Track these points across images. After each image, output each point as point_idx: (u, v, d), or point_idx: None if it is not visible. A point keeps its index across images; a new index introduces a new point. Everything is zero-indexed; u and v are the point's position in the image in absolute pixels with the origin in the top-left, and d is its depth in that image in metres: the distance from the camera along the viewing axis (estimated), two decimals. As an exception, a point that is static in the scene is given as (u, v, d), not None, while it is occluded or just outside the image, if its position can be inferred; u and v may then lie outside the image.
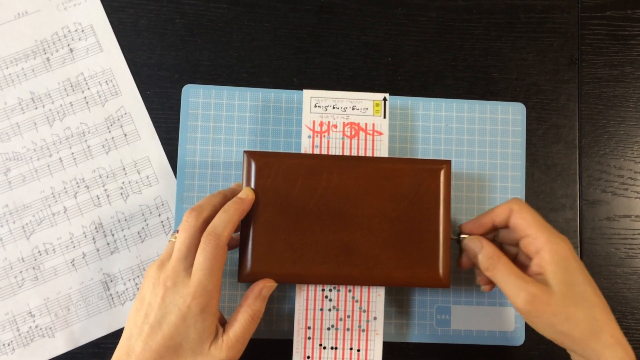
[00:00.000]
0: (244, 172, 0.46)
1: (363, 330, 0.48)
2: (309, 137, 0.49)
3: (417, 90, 0.55)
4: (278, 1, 0.55)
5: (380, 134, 0.50)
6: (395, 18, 0.55)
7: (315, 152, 0.49)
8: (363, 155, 0.49)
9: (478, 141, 0.54)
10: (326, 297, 0.48)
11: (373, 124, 0.50)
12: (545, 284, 0.41)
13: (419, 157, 0.53)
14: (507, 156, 0.54)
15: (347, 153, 0.49)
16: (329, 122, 0.49)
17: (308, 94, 0.50)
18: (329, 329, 0.48)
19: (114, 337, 0.50)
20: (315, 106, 0.50)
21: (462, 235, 0.47)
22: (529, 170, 0.54)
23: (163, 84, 0.53)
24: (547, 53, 0.56)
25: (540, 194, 0.54)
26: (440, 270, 0.46)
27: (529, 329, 0.52)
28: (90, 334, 0.50)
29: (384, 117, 0.50)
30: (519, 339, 0.52)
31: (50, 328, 0.50)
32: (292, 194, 0.45)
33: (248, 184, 0.46)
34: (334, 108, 0.50)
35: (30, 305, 0.50)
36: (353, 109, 0.50)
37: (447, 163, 0.47)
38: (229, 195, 0.45)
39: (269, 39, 0.54)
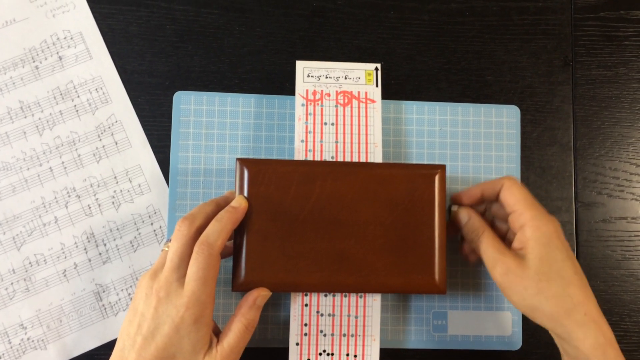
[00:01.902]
0: (237, 180, 0.45)
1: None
2: (303, 105, 0.50)
3: (410, 94, 0.54)
4: (270, 6, 0.54)
5: (373, 101, 0.50)
6: (388, 21, 0.55)
7: (309, 120, 0.49)
8: (356, 126, 0.49)
9: (472, 145, 0.53)
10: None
11: (366, 92, 0.50)
12: (521, 258, 0.42)
13: (414, 161, 0.53)
14: (502, 159, 0.53)
15: (340, 121, 0.49)
16: (322, 90, 0.50)
17: (301, 65, 0.50)
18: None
19: (107, 349, 0.50)
20: (308, 76, 0.50)
21: (453, 207, 0.48)
22: (524, 173, 0.54)
23: (154, 91, 0.52)
24: (540, 55, 0.56)
25: (535, 197, 0.53)
26: (436, 276, 0.46)
27: (526, 334, 0.52)
28: (83, 345, 0.50)
29: (377, 85, 0.50)
30: (517, 344, 0.52)
31: (43, 340, 0.50)
32: (285, 202, 0.45)
33: (241, 192, 0.45)
34: (326, 77, 0.50)
35: (22, 317, 0.50)
36: (345, 78, 0.51)
37: (442, 168, 0.47)
38: (222, 204, 0.45)
39: (260, 45, 0.54)
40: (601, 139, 0.55)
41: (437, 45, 0.55)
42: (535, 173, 0.54)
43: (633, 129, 0.56)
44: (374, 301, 0.47)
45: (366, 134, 0.50)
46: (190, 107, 0.52)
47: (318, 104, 0.50)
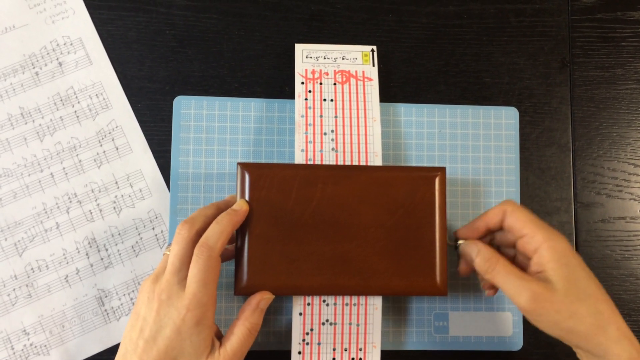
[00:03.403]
0: (238, 184, 0.45)
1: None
2: (302, 83, 0.50)
3: (409, 96, 0.54)
4: (268, 10, 0.55)
5: (370, 79, 0.51)
6: (386, 25, 0.55)
7: (308, 97, 0.50)
8: (355, 102, 0.50)
9: (472, 146, 0.54)
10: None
11: (363, 71, 0.51)
12: (546, 282, 0.41)
13: (413, 164, 0.53)
14: (501, 161, 0.54)
15: (339, 98, 0.50)
16: (320, 70, 0.51)
17: (300, 47, 0.51)
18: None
19: (110, 353, 0.50)
20: (307, 57, 0.51)
21: (459, 241, 0.46)
22: (523, 174, 0.54)
23: (154, 96, 0.53)
24: (538, 57, 0.56)
25: (534, 198, 0.54)
26: (438, 278, 0.46)
27: (527, 334, 0.52)
28: (86, 350, 0.50)
29: (373, 65, 0.51)
30: (518, 344, 0.52)
31: (45, 346, 0.50)
32: (287, 205, 0.45)
33: (242, 195, 0.45)
34: (324, 58, 0.51)
35: (25, 323, 0.50)
36: (343, 59, 0.52)
37: (442, 170, 0.47)
38: (222, 207, 0.45)
39: (260, 49, 0.54)
40: (599, 140, 0.56)
41: (436, 48, 0.55)
42: (534, 174, 0.54)
43: (631, 130, 0.56)
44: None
45: (364, 109, 0.50)
46: (190, 111, 0.52)
47: (317, 82, 0.50)
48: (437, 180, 0.47)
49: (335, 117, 0.50)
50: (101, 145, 0.52)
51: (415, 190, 0.46)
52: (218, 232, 0.42)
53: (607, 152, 0.56)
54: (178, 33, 0.54)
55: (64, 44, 0.53)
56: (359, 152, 0.49)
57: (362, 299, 0.47)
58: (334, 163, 0.48)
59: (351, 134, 0.49)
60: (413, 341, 0.52)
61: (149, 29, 0.53)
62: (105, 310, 0.50)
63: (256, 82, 0.54)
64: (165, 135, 0.52)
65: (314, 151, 0.48)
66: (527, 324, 0.52)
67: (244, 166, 0.46)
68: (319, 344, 0.47)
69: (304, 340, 0.47)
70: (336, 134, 0.49)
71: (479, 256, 0.44)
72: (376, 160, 0.49)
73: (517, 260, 0.46)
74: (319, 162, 0.48)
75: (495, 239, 0.47)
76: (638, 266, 0.54)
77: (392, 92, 0.54)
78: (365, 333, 0.48)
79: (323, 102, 0.50)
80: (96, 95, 0.52)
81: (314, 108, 0.50)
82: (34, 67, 0.52)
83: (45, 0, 0.53)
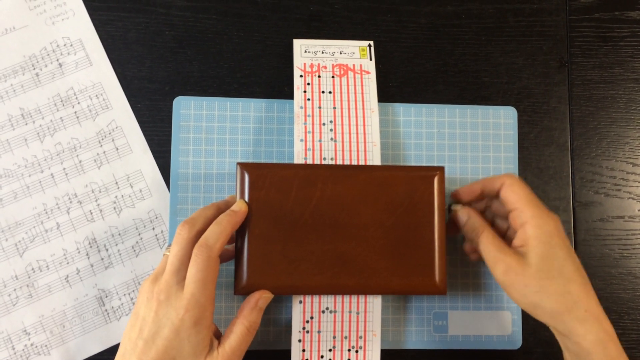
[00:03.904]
0: (238, 184, 0.46)
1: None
2: (301, 76, 0.51)
3: (408, 96, 0.55)
4: (268, 11, 0.55)
5: (368, 72, 0.52)
6: (385, 25, 0.55)
7: (307, 89, 0.50)
8: (353, 94, 0.50)
9: (470, 146, 0.54)
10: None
11: (361, 65, 0.52)
12: (522, 256, 0.42)
13: (412, 164, 0.53)
14: (500, 160, 0.54)
15: (337, 90, 0.50)
16: (319, 64, 0.51)
17: (298, 42, 0.52)
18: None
19: (110, 353, 0.50)
20: (305, 51, 0.52)
21: (453, 206, 0.48)
22: (522, 173, 0.54)
23: (154, 96, 0.53)
24: (536, 56, 0.56)
25: (533, 197, 0.54)
26: (437, 277, 0.46)
27: (526, 332, 0.52)
28: (86, 350, 0.50)
29: (370, 59, 0.52)
30: (517, 343, 0.52)
31: (46, 346, 0.50)
32: (286, 205, 0.45)
33: (242, 196, 0.45)
34: (322, 53, 0.52)
35: (25, 323, 0.50)
36: (341, 53, 0.52)
37: (441, 170, 0.47)
38: (222, 208, 0.45)
39: (259, 49, 0.54)
40: (598, 139, 0.56)
41: (434, 48, 0.56)
42: (533, 173, 0.55)
43: (629, 129, 0.56)
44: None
45: (363, 101, 0.51)
46: (190, 112, 0.52)
47: (315, 75, 0.51)
48: (436, 180, 0.47)
49: (334, 108, 0.50)
50: (101, 145, 0.52)
51: (414, 189, 0.47)
52: (217, 233, 0.42)
53: (605, 152, 0.56)
54: (177, 34, 0.54)
55: (64, 45, 0.53)
56: (357, 142, 0.49)
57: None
58: (333, 152, 0.49)
59: (349, 124, 0.50)
60: (412, 340, 0.52)
61: (148, 30, 0.54)
62: (106, 310, 0.50)
63: (255, 82, 0.54)
64: (165, 136, 0.52)
65: (313, 141, 0.49)
66: (526, 323, 0.52)
67: (244, 166, 0.46)
68: (319, 332, 0.47)
69: (304, 328, 0.47)
70: (335, 125, 0.50)
71: (468, 223, 0.46)
72: (375, 149, 0.49)
73: (509, 234, 0.48)
74: (318, 151, 0.49)
75: (491, 208, 0.49)
76: (636, 265, 0.55)
77: (391, 92, 0.55)
78: (365, 321, 0.48)
79: (322, 94, 0.51)
80: (96, 95, 0.52)
81: (312, 100, 0.50)
82: (34, 68, 0.52)
83: (46, 1, 0.53)
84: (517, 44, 0.56)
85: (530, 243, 0.42)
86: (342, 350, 0.48)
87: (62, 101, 0.52)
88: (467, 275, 0.53)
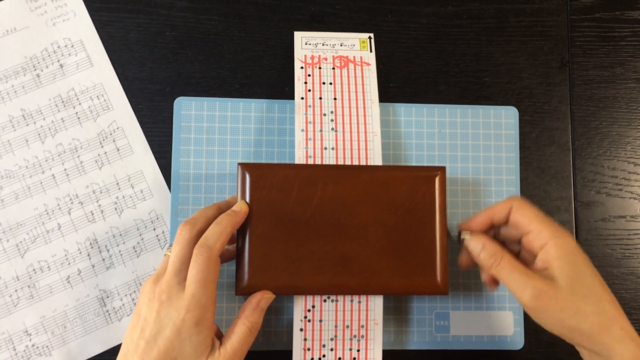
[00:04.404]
0: (239, 184, 0.46)
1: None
2: (302, 68, 0.51)
3: (409, 96, 0.55)
4: (269, 11, 0.55)
5: (368, 64, 0.52)
6: (386, 25, 0.55)
7: (308, 80, 0.50)
8: (353, 85, 0.51)
9: (472, 146, 0.54)
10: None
11: (361, 57, 0.52)
12: (551, 279, 0.40)
13: (413, 164, 0.53)
14: (501, 160, 0.54)
15: (338, 82, 0.51)
16: (319, 55, 0.52)
17: (299, 35, 0.53)
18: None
19: (112, 354, 0.50)
20: (306, 44, 0.52)
21: (463, 235, 0.46)
22: (523, 173, 0.54)
23: (155, 97, 0.53)
24: (537, 56, 0.56)
25: (534, 197, 0.54)
26: (438, 278, 0.46)
27: (528, 333, 0.52)
28: (88, 351, 0.50)
29: (370, 51, 0.52)
30: (519, 343, 0.52)
31: (47, 346, 0.50)
32: (287, 205, 0.45)
33: (243, 196, 0.45)
34: (323, 45, 0.52)
35: (26, 324, 0.50)
36: (341, 45, 0.53)
37: (442, 170, 0.47)
38: (223, 208, 0.45)
39: (260, 50, 0.54)
40: (599, 139, 0.56)
41: (435, 48, 0.56)
42: (534, 173, 0.54)
43: (630, 128, 0.56)
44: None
45: (363, 92, 0.51)
46: (191, 112, 0.52)
47: (316, 67, 0.51)
48: (437, 180, 0.47)
49: (335, 99, 0.50)
50: (102, 146, 0.52)
51: (416, 189, 0.46)
52: (217, 233, 0.42)
53: (606, 151, 0.56)
54: (178, 34, 0.54)
55: (65, 46, 0.53)
56: (358, 132, 0.49)
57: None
58: (334, 142, 0.49)
59: (350, 115, 0.50)
60: (414, 341, 0.52)
61: (149, 31, 0.54)
62: (107, 310, 0.50)
63: (256, 83, 0.54)
64: (166, 136, 0.52)
65: (313, 131, 0.49)
66: (528, 323, 0.52)
67: (245, 166, 0.46)
68: (320, 320, 0.47)
69: (305, 317, 0.47)
70: (335, 115, 0.50)
71: (484, 251, 0.43)
72: (375, 139, 0.49)
73: (522, 257, 0.45)
74: (319, 141, 0.49)
75: (499, 233, 0.47)
76: (638, 265, 0.54)
77: (392, 92, 0.55)
78: (367, 310, 0.48)
79: (322, 85, 0.51)
80: (97, 96, 0.52)
81: (313, 90, 0.50)
82: (35, 69, 0.52)
83: (46, 2, 0.53)
84: (518, 44, 0.56)
85: (554, 264, 0.41)
86: (344, 340, 0.48)
87: (63, 102, 0.52)
88: (468, 275, 0.52)
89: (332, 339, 0.47)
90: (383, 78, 0.54)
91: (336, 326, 0.47)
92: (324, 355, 0.47)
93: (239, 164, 0.46)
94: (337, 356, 0.47)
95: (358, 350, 0.48)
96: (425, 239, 0.46)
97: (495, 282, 0.47)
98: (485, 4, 0.56)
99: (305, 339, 0.47)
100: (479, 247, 0.44)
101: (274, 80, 0.54)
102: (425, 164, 0.53)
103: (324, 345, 0.47)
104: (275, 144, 0.52)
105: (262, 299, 0.44)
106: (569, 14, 0.57)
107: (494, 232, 0.47)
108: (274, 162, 0.52)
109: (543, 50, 0.56)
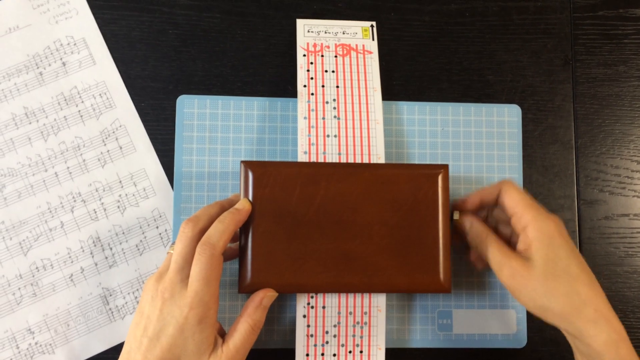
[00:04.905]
0: (241, 182, 0.46)
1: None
2: (304, 55, 0.51)
3: (412, 94, 0.54)
4: (271, 9, 0.55)
5: (370, 52, 0.52)
6: (389, 23, 0.55)
7: (310, 68, 0.51)
8: (356, 73, 0.51)
9: (474, 144, 0.54)
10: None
11: (363, 45, 0.53)
12: (527, 259, 0.42)
13: (416, 162, 0.53)
14: (504, 158, 0.54)
15: (340, 70, 0.51)
16: (322, 43, 0.52)
17: (301, 22, 0.53)
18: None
19: (115, 352, 0.50)
20: (309, 31, 0.52)
21: (455, 214, 0.48)
22: (526, 172, 0.54)
23: (157, 95, 0.53)
24: (541, 54, 0.56)
25: (538, 195, 0.54)
26: (441, 276, 0.46)
27: (531, 331, 0.52)
28: (91, 349, 0.50)
29: (373, 39, 0.53)
30: (522, 341, 0.52)
31: (50, 344, 0.50)
32: (290, 203, 0.45)
33: (246, 194, 0.45)
34: (325, 33, 0.53)
35: (30, 322, 0.50)
36: (343, 33, 0.53)
37: (445, 168, 0.47)
38: (226, 206, 0.45)
39: (262, 48, 0.54)
40: (602, 137, 0.56)
41: (438, 46, 0.55)
42: (538, 171, 0.54)
43: (634, 127, 0.56)
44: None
45: (365, 80, 0.51)
46: (193, 110, 0.52)
47: (319, 55, 0.52)
48: (440, 178, 0.47)
49: (337, 86, 0.50)
50: (105, 144, 0.52)
51: (419, 187, 0.46)
52: (220, 231, 0.42)
53: (610, 149, 0.55)
54: (181, 32, 0.54)
55: (68, 44, 0.53)
56: (360, 120, 0.50)
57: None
58: (337, 130, 0.49)
59: (352, 103, 0.50)
60: (417, 339, 0.52)
61: (152, 29, 0.54)
62: (110, 308, 0.50)
63: (259, 80, 0.54)
64: (168, 135, 0.52)
65: (316, 119, 0.49)
66: (531, 322, 0.52)
67: (247, 164, 0.46)
68: (323, 307, 0.47)
69: (308, 303, 0.47)
70: (338, 103, 0.50)
71: (472, 230, 0.46)
72: (377, 127, 0.49)
73: (513, 239, 0.47)
74: (322, 129, 0.49)
75: (493, 215, 0.49)
76: (642, 263, 0.54)
77: (395, 90, 0.54)
78: (370, 296, 0.48)
79: (325, 73, 0.51)
80: (100, 94, 0.52)
81: (315, 78, 0.51)
82: (37, 67, 0.52)
83: (49, 0, 0.53)
84: (522, 41, 0.56)
85: (532, 245, 0.42)
86: (347, 326, 0.48)
87: (65, 100, 0.52)
88: (471, 273, 0.52)
89: (335, 326, 0.47)
90: (386, 76, 0.54)
91: (339, 313, 0.47)
92: (327, 342, 0.47)
93: (242, 161, 0.46)
94: (340, 343, 0.47)
95: (361, 337, 0.48)
96: (428, 237, 0.46)
97: (481, 261, 0.48)
98: (488, 2, 0.56)
99: (308, 326, 0.47)
100: (467, 225, 0.47)
101: (277, 78, 0.54)
102: (428, 162, 0.53)
103: (327, 332, 0.47)
104: (277, 142, 0.52)
105: (264, 297, 0.44)
106: (573, 11, 0.57)
107: (487, 213, 0.49)
108: (276, 160, 0.52)
109: (546, 48, 0.56)
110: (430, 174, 0.47)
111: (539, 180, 0.54)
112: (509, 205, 0.44)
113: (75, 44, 0.53)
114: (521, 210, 0.43)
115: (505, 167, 0.54)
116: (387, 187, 0.46)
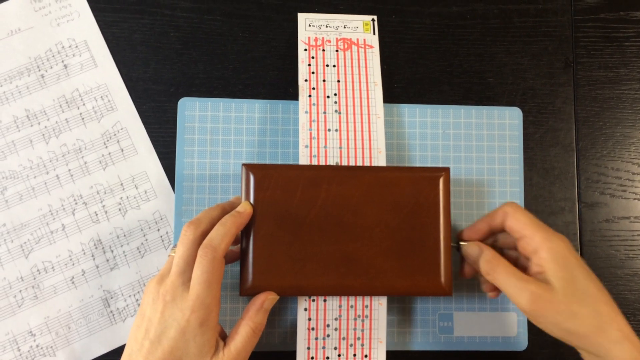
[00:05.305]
0: (243, 185, 0.46)
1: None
2: (305, 50, 0.51)
3: (413, 97, 0.55)
4: (272, 12, 0.55)
5: (372, 47, 0.52)
6: (390, 26, 0.55)
7: (311, 63, 0.51)
8: (357, 67, 0.51)
9: (475, 147, 0.54)
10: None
11: (364, 39, 0.53)
12: (546, 283, 0.41)
13: (418, 164, 0.53)
14: (505, 161, 0.54)
15: (341, 63, 0.51)
16: (323, 37, 0.52)
17: (302, 16, 0.53)
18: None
19: (116, 354, 0.50)
20: (310, 25, 0.52)
21: (461, 243, 0.47)
22: (527, 174, 0.54)
23: (159, 97, 0.53)
24: (542, 57, 0.56)
25: (539, 198, 0.54)
26: (442, 278, 0.46)
27: (532, 334, 0.52)
28: (92, 351, 0.50)
29: (374, 34, 0.53)
30: (522, 344, 0.52)
31: (51, 347, 0.50)
32: (291, 206, 0.45)
33: (247, 196, 0.45)
34: (327, 27, 0.53)
35: (31, 325, 0.50)
36: (345, 27, 0.53)
37: (446, 170, 0.47)
38: (227, 209, 0.45)
39: (264, 50, 0.54)
40: (603, 140, 0.56)
41: (439, 49, 0.55)
42: (538, 174, 0.54)
43: (635, 129, 0.56)
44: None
45: (366, 74, 0.51)
46: (195, 113, 0.52)
47: (320, 49, 0.52)
48: (441, 181, 0.47)
49: (338, 81, 0.51)
50: (106, 147, 0.52)
51: (420, 190, 0.46)
52: (222, 234, 0.42)
53: (611, 152, 0.56)
54: (182, 35, 0.54)
55: (69, 46, 0.53)
56: (361, 114, 0.50)
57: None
58: (337, 124, 0.49)
59: (354, 97, 0.50)
60: (418, 341, 0.52)
61: (153, 31, 0.54)
62: (111, 311, 0.51)
63: (260, 83, 0.54)
64: (170, 137, 0.52)
65: (317, 113, 0.49)
66: (531, 324, 0.52)
67: (249, 167, 0.46)
68: (324, 300, 0.47)
69: (309, 296, 0.47)
70: (339, 97, 0.50)
71: (482, 258, 0.44)
72: (378, 121, 0.50)
73: (520, 262, 0.46)
74: (323, 123, 0.49)
75: (498, 240, 0.48)
76: (643, 266, 0.54)
77: (396, 92, 0.55)
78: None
79: (326, 67, 0.51)
80: (101, 97, 0.53)
81: (317, 73, 0.51)
82: (39, 70, 0.52)
83: (51, 3, 0.53)
84: (522, 44, 0.56)
85: (547, 267, 0.41)
86: (348, 319, 0.48)
87: (67, 102, 0.52)
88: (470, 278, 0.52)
89: (336, 319, 0.47)
90: (387, 78, 0.54)
91: (340, 306, 0.47)
92: (328, 335, 0.47)
93: (243, 164, 0.46)
94: (342, 336, 0.47)
95: (362, 330, 0.48)
96: (429, 239, 0.46)
97: (495, 289, 0.47)
98: (489, 5, 0.56)
99: (309, 319, 0.47)
100: (476, 254, 0.45)
101: (278, 81, 0.54)
102: (429, 165, 0.53)
103: (328, 325, 0.47)
104: (279, 144, 0.52)
105: (266, 300, 0.44)
106: (574, 14, 0.57)
107: (493, 239, 0.48)
108: (277, 162, 0.52)
109: (547, 50, 0.56)
110: (431, 177, 0.47)
111: (539, 183, 0.54)
112: (516, 229, 0.43)
113: (76, 47, 0.53)
114: (530, 232, 0.42)
115: (506, 170, 0.54)
116: (388, 189, 0.46)
